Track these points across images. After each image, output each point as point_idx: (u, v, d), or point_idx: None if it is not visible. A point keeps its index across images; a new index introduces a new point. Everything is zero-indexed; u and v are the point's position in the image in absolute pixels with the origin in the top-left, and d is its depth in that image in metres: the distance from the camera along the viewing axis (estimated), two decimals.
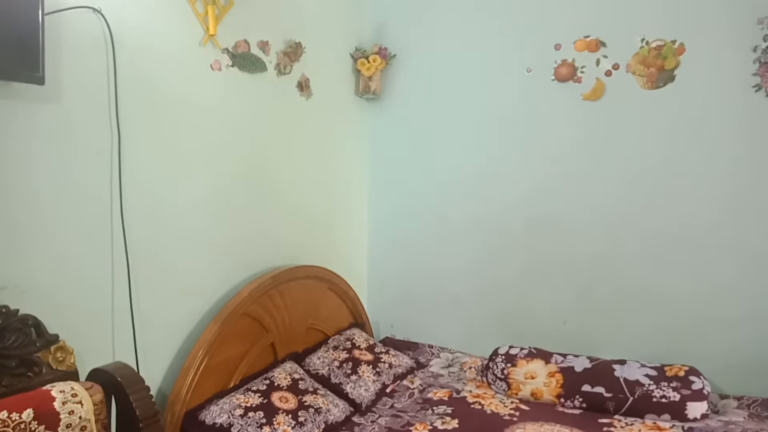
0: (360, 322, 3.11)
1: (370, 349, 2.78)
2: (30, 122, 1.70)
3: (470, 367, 2.88)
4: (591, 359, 2.63)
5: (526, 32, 2.95)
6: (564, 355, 2.68)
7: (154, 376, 2.14)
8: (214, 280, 2.40)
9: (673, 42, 2.67)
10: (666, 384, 2.41)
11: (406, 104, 3.28)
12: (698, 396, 2.36)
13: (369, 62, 3.13)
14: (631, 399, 2.41)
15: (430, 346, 3.13)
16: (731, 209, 2.59)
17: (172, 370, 2.20)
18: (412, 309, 3.33)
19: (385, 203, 3.39)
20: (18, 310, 1.58)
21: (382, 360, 2.71)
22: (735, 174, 2.58)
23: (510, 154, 3.02)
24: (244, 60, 2.48)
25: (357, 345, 2.76)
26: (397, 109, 3.31)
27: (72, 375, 1.66)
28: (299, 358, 2.60)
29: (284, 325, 2.57)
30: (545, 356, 2.68)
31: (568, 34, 2.86)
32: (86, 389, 1.53)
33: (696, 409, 2.34)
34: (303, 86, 2.84)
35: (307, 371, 2.53)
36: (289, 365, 2.46)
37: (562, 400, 2.53)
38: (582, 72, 2.85)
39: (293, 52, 2.74)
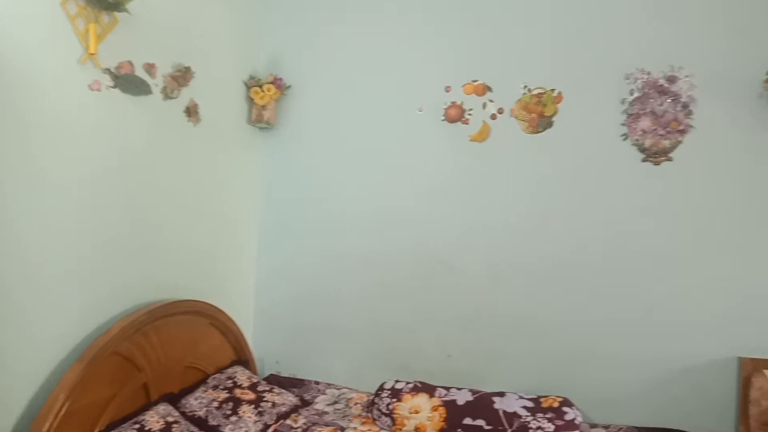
0: (243, 358, 2.98)
1: (253, 387, 2.67)
2: None
3: (356, 403, 2.85)
4: (473, 392, 2.68)
5: (418, 72, 3.05)
6: (447, 389, 2.71)
7: (4, 425, 1.92)
8: (81, 315, 2.21)
9: (552, 90, 2.86)
10: (542, 415, 2.51)
11: (301, 136, 3.25)
12: (570, 426, 2.47)
13: (263, 91, 3.08)
14: (509, 431, 2.47)
15: (317, 383, 3.06)
16: (607, 249, 2.77)
17: (27, 417, 1.98)
18: (299, 344, 3.24)
19: (276, 236, 3.31)
20: None
21: (265, 399, 2.61)
22: (608, 215, 2.78)
23: (401, 190, 3.08)
24: (128, 82, 2.36)
25: (239, 384, 2.64)
26: (292, 140, 3.27)
27: None
28: (175, 400, 2.44)
29: (159, 365, 2.41)
30: (429, 390, 2.71)
31: (457, 77, 2.99)
32: None
33: None
34: (191, 112, 2.74)
35: (183, 413, 2.38)
36: (163, 407, 2.30)
37: None
38: (470, 114, 2.97)
39: (182, 76, 2.65)
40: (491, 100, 2.94)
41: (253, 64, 3.21)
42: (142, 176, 2.49)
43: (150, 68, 2.48)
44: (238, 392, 2.57)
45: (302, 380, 3.09)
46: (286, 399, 2.71)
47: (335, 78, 3.19)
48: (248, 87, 3.13)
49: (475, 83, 2.96)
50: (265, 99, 3.10)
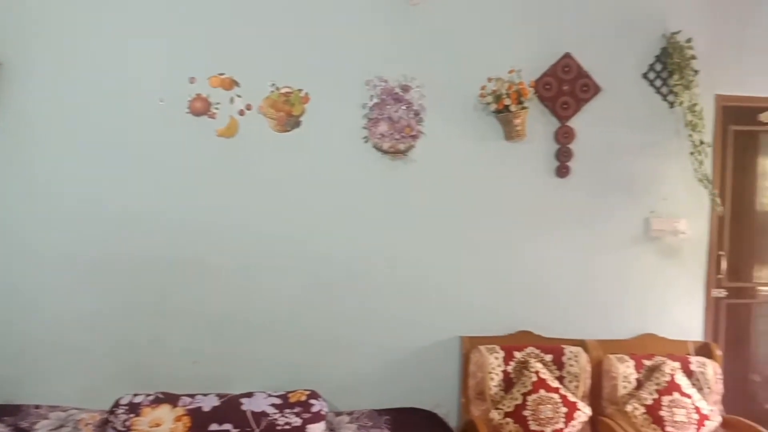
0: None
1: None
2: None
3: (87, 424, 2.55)
4: (220, 396, 2.60)
5: (158, 59, 2.84)
6: (193, 396, 2.59)
7: None
8: None
9: (300, 90, 2.92)
10: (290, 410, 2.55)
11: (18, 122, 2.77)
12: (317, 417, 2.56)
13: None
14: (257, 431, 2.45)
15: (37, 407, 2.64)
16: (349, 245, 2.94)
17: None
18: (16, 367, 2.78)
19: None
20: None
21: None
22: (350, 213, 2.94)
23: (142, 187, 2.85)
24: None
25: None
26: (6, 126, 2.77)
27: None
28: None
29: None
30: (173, 400, 2.55)
31: (203, 68, 2.86)
32: None
33: (315, 430, 2.52)
34: None
35: None
36: None
37: None
38: (217, 108, 2.87)
39: None
40: (239, 95, 2.88)
41: None
42: None
43: None
44: None
45: (18, 406, 2.64)
46: None
47: (64, 59, 2.79)
48: None
49: (222, 76, 2.87)
50: None
